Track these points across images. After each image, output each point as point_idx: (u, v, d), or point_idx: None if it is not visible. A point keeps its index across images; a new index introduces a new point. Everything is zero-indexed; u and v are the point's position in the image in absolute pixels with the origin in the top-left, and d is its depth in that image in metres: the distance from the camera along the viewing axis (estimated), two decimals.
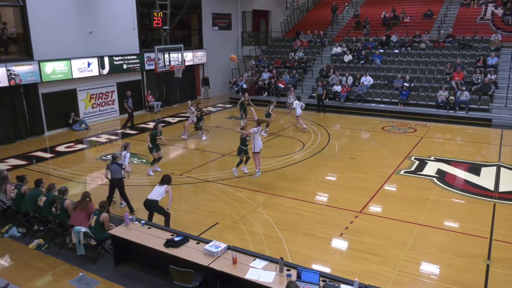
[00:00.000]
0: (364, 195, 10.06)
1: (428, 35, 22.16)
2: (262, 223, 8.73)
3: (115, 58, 18.36)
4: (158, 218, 8.22)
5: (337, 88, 20.35)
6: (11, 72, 14.70)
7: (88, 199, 7.73)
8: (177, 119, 18.85)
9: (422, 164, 12.28)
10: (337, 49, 23.20)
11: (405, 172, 11.68)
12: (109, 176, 9.01)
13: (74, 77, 16.77)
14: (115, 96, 18.98)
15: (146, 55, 19.79)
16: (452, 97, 17.82)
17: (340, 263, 7.30)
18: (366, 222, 8.74)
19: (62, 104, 16.78)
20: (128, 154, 9.60)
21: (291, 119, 17.16)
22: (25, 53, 15.60)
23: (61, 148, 14.58)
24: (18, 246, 7.98)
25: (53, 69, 16.02)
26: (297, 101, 16.40)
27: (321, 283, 5.47)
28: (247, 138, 11.09)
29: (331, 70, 21.65)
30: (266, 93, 22.26)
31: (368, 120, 18.09)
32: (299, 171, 11.87)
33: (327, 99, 20.10)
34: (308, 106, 20.42)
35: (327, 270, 6.81)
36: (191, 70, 22.71)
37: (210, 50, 23.81)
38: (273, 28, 28.44)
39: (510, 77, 18.43)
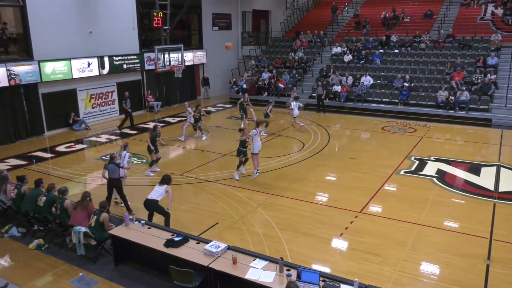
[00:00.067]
0: (364, 195, 10.06)
1: (428, 35, 22.16)
2: (262, 223, 8.73)
3: (115, 58, 18.36)
4: (158, 218, 8.22)
5: (337, 88, 20.35)
6: (11, 72, 14.70)
7: (88, 198, 7.73)
8: (177, 119, 18.85)
9: (422, 164, 12.28)
10: (337, 49, 23.20)
11: (405, 172, 11.68)
12: (106, 175, 9.02)
13: (74, 77, 16.77)
14: (115, 96, 18.97)
15: (146, 55, 19.80)
16: (452, 97, 17.82)
17: (340, 263, 7.30)
18: (366, 222, 8.74)
19: (62, 104, 16.78)
20: (128, 154, 9.59)
21: (291, 119, 17.10)
22: (25, 53, 15.60)
23: (61, 148, 14.58)
24: (18, 246, 7.99)
25: (53, 69, 16.02)
26: (294, 102, 16.42)
27: (321, 283, 5.47)
28: (247, 139, 11.10)
29: (331, 70, 21.65)
30: (266, 93, 22.26)
31: (368, 120, 18.09)
32: (299, 171, 11.87)
33: (327, 99, 20.10)
34: (308, 106, 20.51)
35: (327, 270, 6.81)
36: (191, 70, 22.71)
37: (210, 50, 23.81)
38: (273, 28, 28.45)
39: (510, 77, 18.43)
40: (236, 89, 23.25)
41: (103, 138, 15.97)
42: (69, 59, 16.48)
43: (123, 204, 9.39)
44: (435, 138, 15.46)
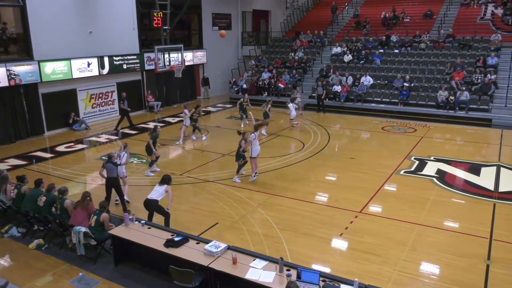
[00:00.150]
0: (364, 195, 10.06)
1: (428, 35, 22.16)
2: (262, 223, 8.73)
3: (115, 58, 18.36)
4: (158, 218, 8.22)
5: (337, 88, 20.35)
6: (11, 72, 14.70)
7: (88, 198, 7.73)
8: (176, 119, 18.83)
9: (422, 164, 12.28)
10: (337, 49, 23.20)
11: (405, 172, 11.68)
12: (104, 174, 9.02)
13: (74, 77, 16.77)
14: (115, 96, 18.97)
15: (146, 55, 19.79)
16: (452, 97, 17.82)
17: (340, 263, 7.30)
18: (366, 222, 8.74)
19: (62, 104, 16.78)
20: (127, 154, 9.58)
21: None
22: (25, 53, 15.60)
23: (61, 148, 14.58)
24: (18, 246, 7.98)
25: (53, 69, 16.02)
26: (291, 104, 16.44)
27: (321, 283, 5.47)
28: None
29: (331, 70, 21.66)
30: (266, 93, 22.26)
31: (368, 120, 18.09)
32: (299, 171, 11.87)
33: (327, 99, 20.10)
34: (308, 106, 20.52)
35: (327, 270, 6.81)
36: (191, 70, 22.70)
37: (210, 50, 23.81)
38: (273, 28, 28.45)
39: (510, 77, 18.43)
40: (236, 89, 23.25)
41: (103, 138, 15.96)
42: (69, 59, 16.48)
43: (118, 201, 9.36)
44: (435, 138, 15.46)
